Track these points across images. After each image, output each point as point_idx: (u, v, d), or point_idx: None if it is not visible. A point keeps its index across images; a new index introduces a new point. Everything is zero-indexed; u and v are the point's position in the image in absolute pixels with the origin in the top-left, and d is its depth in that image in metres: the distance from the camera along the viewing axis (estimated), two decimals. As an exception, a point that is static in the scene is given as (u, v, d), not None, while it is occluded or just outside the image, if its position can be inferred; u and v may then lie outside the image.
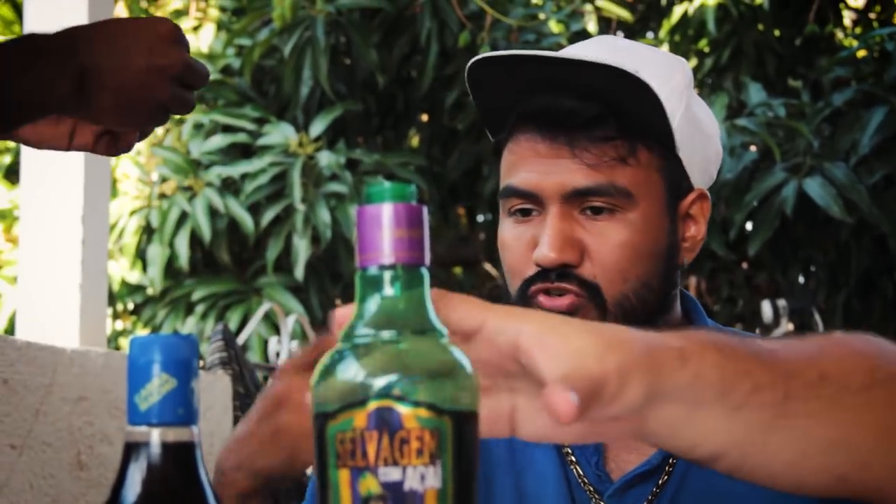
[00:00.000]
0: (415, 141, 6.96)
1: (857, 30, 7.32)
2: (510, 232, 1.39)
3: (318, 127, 5.84)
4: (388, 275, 0.79)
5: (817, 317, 6.73)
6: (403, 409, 0.75)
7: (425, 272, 0.81)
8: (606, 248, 1.36)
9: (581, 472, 1.38)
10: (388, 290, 0.79)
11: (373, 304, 0.80)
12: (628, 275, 1.36)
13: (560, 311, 1.31)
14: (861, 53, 6.54)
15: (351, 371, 0.78)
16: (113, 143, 1.47)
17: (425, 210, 0.80)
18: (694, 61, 6.72)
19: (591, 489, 1.38)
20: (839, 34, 7.16)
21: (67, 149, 1.45)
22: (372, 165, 6.05)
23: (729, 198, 6.25)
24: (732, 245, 6.54)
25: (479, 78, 1.40)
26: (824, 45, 7.06)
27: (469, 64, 1.38)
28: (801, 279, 7.07)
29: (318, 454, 0.77)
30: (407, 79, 6.50)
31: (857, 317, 6.54)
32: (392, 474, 0.74)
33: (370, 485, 0.74)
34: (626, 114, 1.34)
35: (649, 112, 1.33)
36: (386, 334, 0.78)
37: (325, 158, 5.71)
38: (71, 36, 1.38)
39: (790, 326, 6.44)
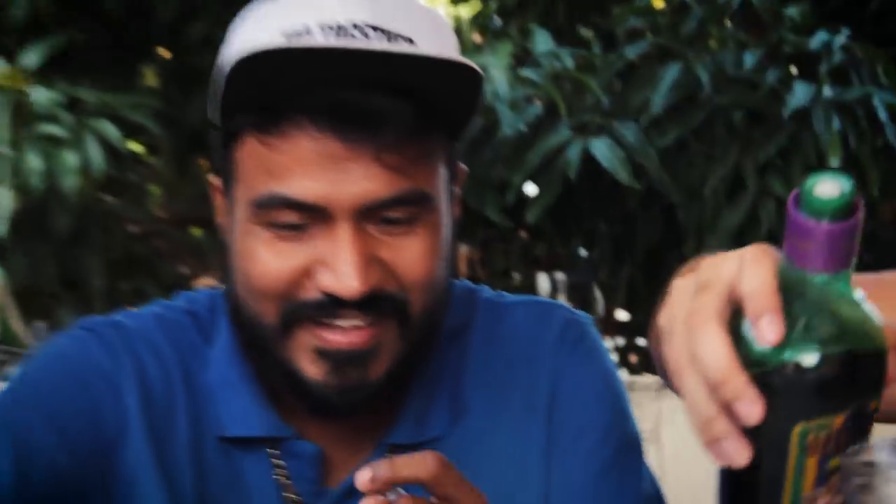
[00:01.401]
0: (151, 79, 6.32)
1: None
2: (269, 251, 1.23)
3: (32, 57, 5.29)
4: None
5: (598, 293, 6.39)
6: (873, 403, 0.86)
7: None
8: (411, 261, 1.28)
9: (292, 485, 1.34)
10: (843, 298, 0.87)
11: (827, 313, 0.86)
12: (435, 285, 1.29)
13: (357, 349, 1.23)
14: (658, 4, 6.13)
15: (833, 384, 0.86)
16: None
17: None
18: (477, 3, 6.27)
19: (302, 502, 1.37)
20: None
21: None
22: (97, 106, 5.36)
23: (508, 157, 5.65)
24: (510, 211, 5.91)
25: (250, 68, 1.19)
26: None
27: (240, 59, 1.17)
28: (583, 251, 6.63)
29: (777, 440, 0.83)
30: (145, 5, 5.79)
31: (641, 294, 6.15)
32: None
33: (835, 462, 0.84)
34: (429, 101, 1.23)
35: (456, 94, 1.24)
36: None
37: (40, 94, 5.15)
38: None
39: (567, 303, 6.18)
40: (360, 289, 1.18)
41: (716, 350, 0.79)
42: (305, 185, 1.19)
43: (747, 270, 0.83)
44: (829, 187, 0.83)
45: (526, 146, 5.69)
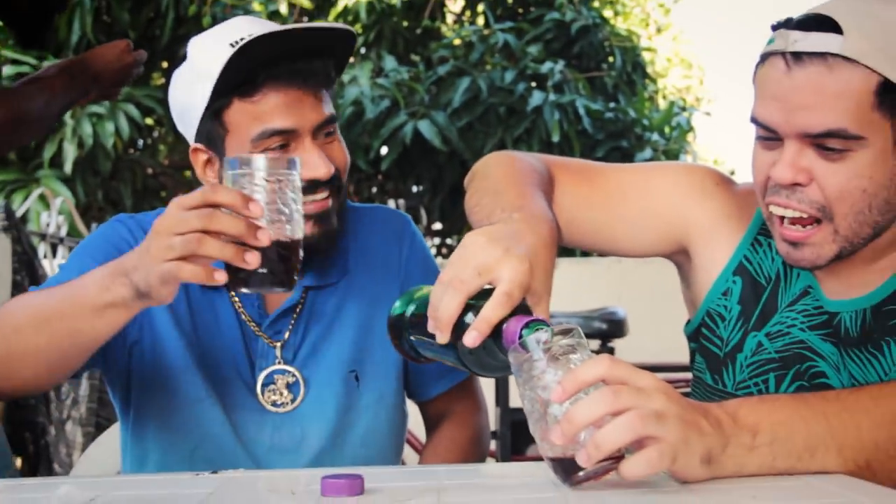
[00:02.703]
0: (158, 80, 7.89)
1: (455, 26, 9.01)
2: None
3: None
4: None
5: (423, 212, 8.40)
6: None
7: None
8: (344, 161, 1.52)
9: (245, 312, 1.56)
10: None
11: None
12: (345, 186, 1.54)
13: (324, 210, 1.47)
14: (457, 41, 8.19)
15: None
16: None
17: None
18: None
19: (254, 323, 1.55)
20: (444, 28, 8.85)
21: None
22: (126, 95, 6.93)
23: (370, 131, 7.75)
24: (371, 163, 8.10)
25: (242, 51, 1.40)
26: (435, 34, 8.67)
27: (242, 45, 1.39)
28: (414, 187, 8.69)
29: None
30: (152, 36, 7.48)
31: (448, 213, 8.04)
32: None
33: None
34: (335, 57, 1.48)
35: (343, 49, 1.49)
36: None
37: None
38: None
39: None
40: (327, 173, 1.45)
41: (448, 307, 1.01)
42: (283, 119, 1.43)
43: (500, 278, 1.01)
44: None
45: (380, 124, 7.86)
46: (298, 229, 1.19)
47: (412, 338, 1.12)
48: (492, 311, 0.98)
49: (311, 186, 1.45)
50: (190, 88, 1.47)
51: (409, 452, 3.71)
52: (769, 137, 1.23)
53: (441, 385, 1.66)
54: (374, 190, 8.62)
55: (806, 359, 1.31)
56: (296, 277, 1.19)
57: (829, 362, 1.30)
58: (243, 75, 1.42)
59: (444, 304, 1.00)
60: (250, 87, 1.44)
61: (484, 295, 1.01)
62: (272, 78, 1.44)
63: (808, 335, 1.32)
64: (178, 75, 1.51)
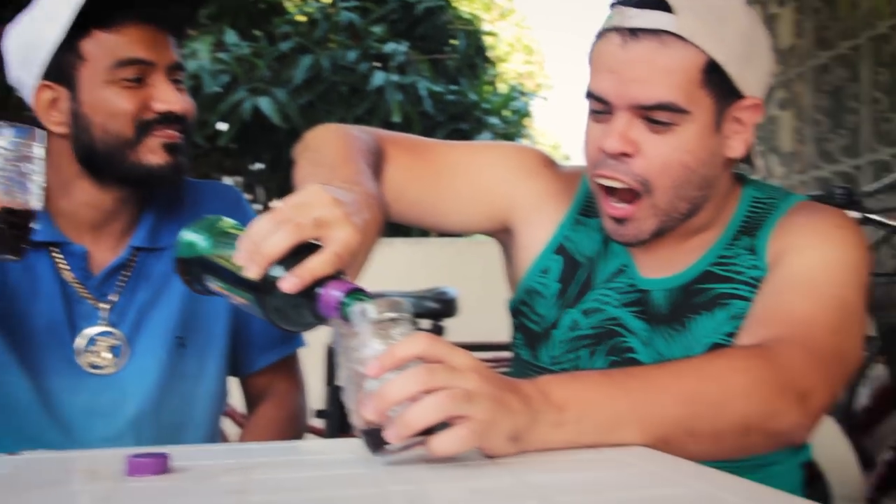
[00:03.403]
0: None
1: (299, 2, 8.81)
2: (122, 97, 1.47)
3: None
4: None
5: (261, 190, 8.29)
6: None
7: None
8: (190, 108, 1.53)
9: (70, 272, 1.54)
10: None
11: None
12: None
13: (177, 140, 1.49)
14: (300, 18, 8.07)
15: None
16: None
17: None
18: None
19: (79, 284, 1.54)
20: (288, 4, 8.69)
21: None
22: None
23: (208, 106, 7.55)
24: (209, 138, 7.92)
25: None
26: (278, 9, 8.49)
27: None
28: (259, 165, 8.57)
29: None
30: None
31: (287, 191, 7.75)
32: None
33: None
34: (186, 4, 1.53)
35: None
36: None
37: None
38: None
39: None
40: (182, 108, 1.49)
41: (277, 243, 0.97)
42: (143, 51, 1.48)
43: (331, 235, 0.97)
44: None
45: (219, 100, 7.70)
46: (34, 200, 1.20)
47: (209, 268, 1.08)
48: (319, 265, 0.97)
49: (165, 119, 1.48)
50: (41, 25, 1.48)
51: (236, 431, 3.68)
52: (602, 111, 1.29)
53: (266, 358, 1.68)
54: (213, 166, 8.51)
55: (618, 335, 1.36)
56: (25, 247, 1.20)
57: (638, 338, 1.35)
58: (103, 11, 1.46)
59: (274, 239, 0.97)
60: (110, 20, 1.47)
61: (300, 252, 0.98)
62: (132, 13, 1.47)
63: (621, 312, 1.37)
64: (26, 15, 1.52)
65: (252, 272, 0.99)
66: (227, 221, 1.11)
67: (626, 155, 1.27)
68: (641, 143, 1.27)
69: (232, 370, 1.66)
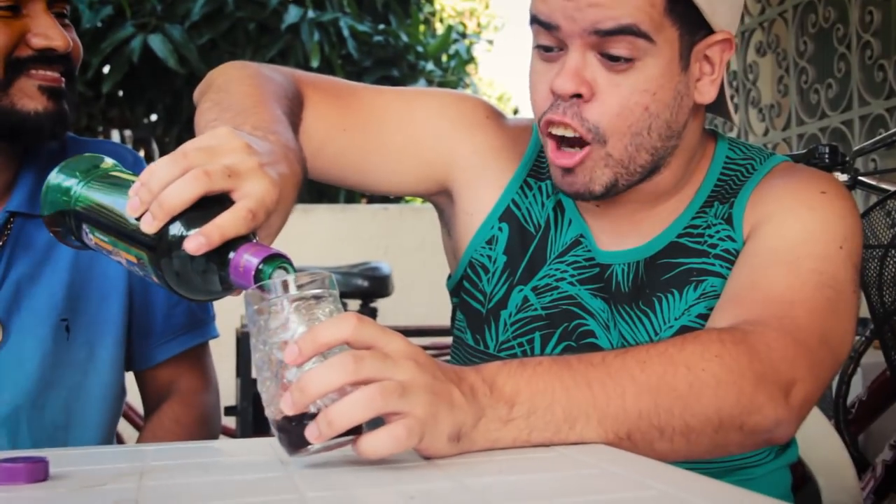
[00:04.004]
0: None
1: None
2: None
3: None
4: None
5: (155, 146, 8.29)
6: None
7: None
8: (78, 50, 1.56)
9: None
10: None
11: None
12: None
13: (58, 86, 1.48)
14: None
15: None
16: None
17: None
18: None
19: None
20: None
21: None
22: None
23: (88, 45, 7.27)
24: (90, 83, 7.85)
25: None
26: None
27: None
28: (146, 117, 8.53)
29: None
30: None
31: None
32: None
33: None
34: None
35: None
36: None
37: None
38: None
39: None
40: (64, 45, 1.48)
41: (180, 194, 0.93)
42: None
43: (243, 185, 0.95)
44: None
45: (101, 37, 7.61)
46: None
47: (89, 219, 1.03)
48: (231, 223, 0.94)
49: (44, 58, 1.46)
50: None
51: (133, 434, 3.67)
52: (550, 47, 1.29)
53: (167, 350, 1.66)
54: (96, 116, 8.41)
55: (575, 316, 1.37)
56: None
57: (598, 320, 1.37)
58: None
59: (177, 188, 0.93)
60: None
61: (205, 206, 0.95)
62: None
63: (578, 289, 1.38)
64: None
65: (148, 226, 0.95)
66: (109, 162, 1.08)
67: (579, 96, 1.27)
68: (597, 83, 1.27)
69: (126, 364, 1.65)
